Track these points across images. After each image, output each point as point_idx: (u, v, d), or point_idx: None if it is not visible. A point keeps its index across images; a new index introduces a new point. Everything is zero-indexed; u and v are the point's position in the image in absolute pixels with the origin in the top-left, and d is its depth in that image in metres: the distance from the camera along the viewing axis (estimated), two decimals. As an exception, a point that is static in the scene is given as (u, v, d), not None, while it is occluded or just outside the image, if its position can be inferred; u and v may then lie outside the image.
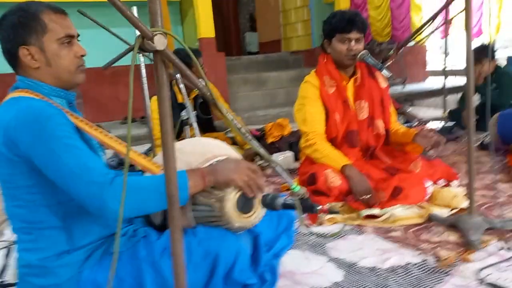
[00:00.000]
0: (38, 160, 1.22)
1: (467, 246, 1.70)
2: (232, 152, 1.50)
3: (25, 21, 1.26)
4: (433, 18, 2.29)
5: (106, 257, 1.37)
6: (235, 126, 1.12)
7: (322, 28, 2.39)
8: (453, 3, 2.82)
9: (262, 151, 1.17)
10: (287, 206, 1.30)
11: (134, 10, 2.65)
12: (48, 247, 1.32)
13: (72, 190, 1.22)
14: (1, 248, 2.04)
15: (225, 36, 9.32)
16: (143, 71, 2.84)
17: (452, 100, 4.83)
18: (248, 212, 1.37)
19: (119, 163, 2.99)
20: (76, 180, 1.21)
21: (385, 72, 2.24)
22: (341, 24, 2.26)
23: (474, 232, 1.73)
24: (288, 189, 2.33)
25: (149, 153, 3.16)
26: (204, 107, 3.17)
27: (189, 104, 2.30)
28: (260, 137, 3.53)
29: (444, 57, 4.15)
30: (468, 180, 1.80)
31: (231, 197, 1.33)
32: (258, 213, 1.41)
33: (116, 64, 5.23)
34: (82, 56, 1.34)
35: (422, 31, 2.69)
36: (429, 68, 8.91)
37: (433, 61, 9.60)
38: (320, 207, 1.29)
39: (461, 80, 4.21)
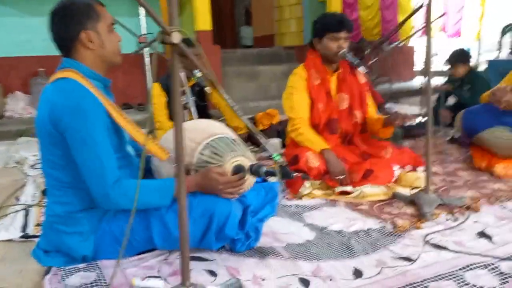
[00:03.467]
0: (69, 141, 1.51)
1: (420, 217, 2.02)
2: (229, 132, 1.81)
3: (83, 10, 1.54)
4: (406, 19, 2.60)
5: (120, 212, 1.67)
6: (230, 103, 1.41)
7: (312, 26, 2.68)
8: (435, 6, 3.11)
9: (251, 125, 1.47)
10: (269, 173, 1.61)
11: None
12: (74, 203, 1.62)
13: (85, 178, 1.53)
14: (20, 210, 2.32)
15: (220, 29, 9.57)
16: (147, 59, 3.10)
17: (432, 99, 5.16)
18: None
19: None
20: (91, 173, 1.51)
21: (361, 68, 2.54)
22: (332, 24, 2.54)
23: (428, 206, 2.05)
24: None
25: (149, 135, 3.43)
26: (201, 94, 3.45)
27: (188, 90, 2.59)
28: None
29: (426, 58, 4.45)
30: (426, 162, 2.13)
31: (227, 166, 1.64)
32: (249, 182, 1.73)
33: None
34: (120, 40, 1.64)
35: (395, 32, 2.99)
36: (417, 68, 9.27)
37: (421, 61, 9.96)
38: (296, 174, 1.61)
39: (442, 80, 4.54)
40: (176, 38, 1.19)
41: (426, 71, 2.10)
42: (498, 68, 5.90)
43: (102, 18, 1.58)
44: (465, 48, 4.45)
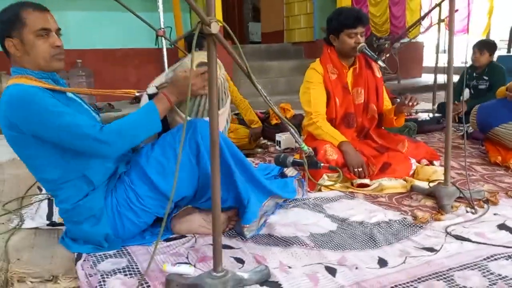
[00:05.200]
0: (36, 131, 1.54)
1: (440, 209, 2.05)
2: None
3: (8, 18, 1.56)
4: (422, 18, 2.62)
5: (119, 182, 1.73)
6: (262, 93, 1.44)
7: (327, 23, 2.70)
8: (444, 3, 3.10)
9: (281, 114, 1.49)
10: (296, 163, 1.65)
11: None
12: (75, 194, 1.68)
13: (72, 145, 1.57)
14: (44, 199, 2.36)
15: (229, 25, 9.54)
16: (165, 53, 3.12)
17: (443, 95, 5.18)
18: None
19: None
20: (71, 137, 1.54)
21: (380, 62, 2.57)
22: (349, 21, 2.55)
23: (447, 199, 2.08)
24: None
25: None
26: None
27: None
28: (265, 119, 3.86)
29: (436, 54, 4.48)
30: (445, 155, 2.15)
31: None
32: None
33: (126, 47, 5.74)
34: (58, 46, 1.61)
35: (413, 29, 3.01)
36: (426, 64, 9.27)
37: (431, 57, 9.96)
38: (323, 164, 1.64)
39: (454, 77, 4.55)
40: (215, 28, 1.22)
41: (447, 68, 2.11)
42: (508, 64, 5.91)
43: (27, 25, 1.55)
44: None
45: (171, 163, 1.68)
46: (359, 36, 2.55)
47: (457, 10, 4.14)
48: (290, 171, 2.07)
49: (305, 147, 1.58)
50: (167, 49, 3.10)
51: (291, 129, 1.54)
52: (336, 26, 2.59)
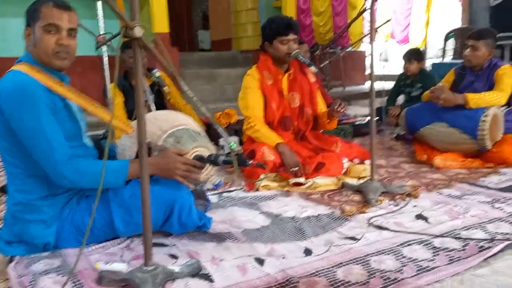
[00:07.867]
0: (15, 128, 1.58)
1: (366, 203, 2.21)
2: (194, 125, 1.92)
3: (31, 8, 1.65)
4: (348, 26, 2.80)
5: (82, 201, 1.74)
6: (190, 96, 1.51)
7: (262, 31, 2.83)
8: (383, 13, 3.32)
9: (210, 116, 1.58)
10: (226, 162, 1.73)
11: (99, 4, 2.97)
12: (33, 191, 1.68)
13: (37, 160, 1.60)
14: (-22, 207, 2.32)
15: (178, 32, 9.60)
16: (105, 59, 3.14)
17: (380, 101, 5.47)
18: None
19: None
20: (40, 154, 1.58)
21: (312, 68, 2.72)
22: (280, 29, 2.71)
23: (372, 193, 2.24)
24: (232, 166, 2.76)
25: (105, 135, 3.48)
26: (159, 94, 3.52)
27: (148, 87, 2.67)
28: (210, 124, 3.93)
29: (371, 62, 4.73)
30: (370, 155, 2.32)
31: (188, 155, 1.75)
32: (207, 173, 1.84)
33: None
34: (61, 44, 1.63)
35: (340, 36, 3.19)
36: (368, 72, 9.70)
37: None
38: (251, 161, 1.74)
39: (391, 84, 4.85)
40: (138, 32, 1.30)
41: (370, 74, 2.29)
42: (441, 70, 6.33)
43: (41, 18, 1.62)
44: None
45: (140, 218, 1.57)
46: (291, 42, 2.69)
47: (389, 20, 4.42)
48: (213, 179, 2.14)
49: (234, 145, 1.67)
50: (108, 56, 3.11)
51: (220, 128, 1.62)
52: (269, 33, 2.73)
